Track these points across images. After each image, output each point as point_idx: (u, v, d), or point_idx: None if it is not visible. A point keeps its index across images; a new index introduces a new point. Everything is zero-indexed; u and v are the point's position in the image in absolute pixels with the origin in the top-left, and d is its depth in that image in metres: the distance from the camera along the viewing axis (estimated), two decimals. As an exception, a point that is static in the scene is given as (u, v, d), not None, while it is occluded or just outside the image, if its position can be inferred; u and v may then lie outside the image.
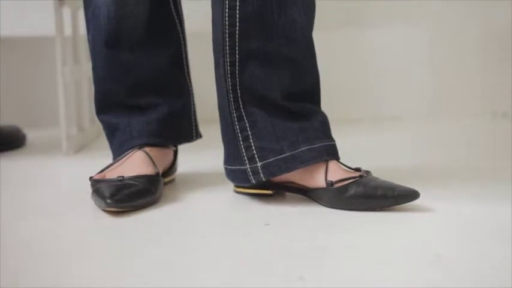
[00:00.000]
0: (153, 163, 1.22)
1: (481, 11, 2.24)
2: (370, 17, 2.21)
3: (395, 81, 2.23)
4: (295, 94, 1.17)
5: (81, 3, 1.85)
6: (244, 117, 1.15)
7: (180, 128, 1.33)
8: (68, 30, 1.77)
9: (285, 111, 1.16)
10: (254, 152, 1.15)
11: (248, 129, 1.15)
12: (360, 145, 1.45)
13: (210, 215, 1.15)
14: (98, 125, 1.99)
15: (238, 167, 1.17)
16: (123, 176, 1.16)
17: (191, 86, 1.35)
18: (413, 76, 2.24)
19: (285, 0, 1.12)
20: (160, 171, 1.24)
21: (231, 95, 1.15)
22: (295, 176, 1.16)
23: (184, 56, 1.33)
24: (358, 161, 1.26)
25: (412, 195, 1.10)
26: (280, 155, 1.14)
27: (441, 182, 1.31)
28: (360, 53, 2.08)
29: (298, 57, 1.15)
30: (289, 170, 1.14)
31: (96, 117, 1.98)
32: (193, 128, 1.35)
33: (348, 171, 1.16)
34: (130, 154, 1.24)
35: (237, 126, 1.15)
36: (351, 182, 1.12)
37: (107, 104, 1.30)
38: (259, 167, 1.15)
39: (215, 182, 1.32)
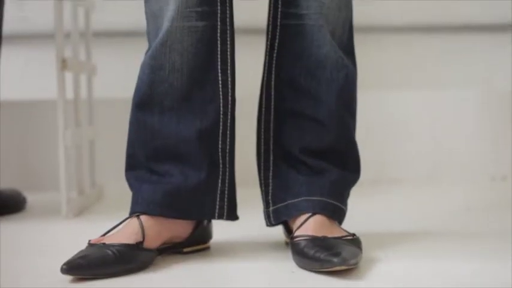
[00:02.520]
0: (142, 233, 1.20)
1: (480, 76, 2.27)
2: (369, 82, 2.24)
3: (395, 145, 2.25)
4: (314, 151, 1.29)
5: (82, 68, 1.88)
6: (271, 168, 1.31)
7: (195, 203, 1.26)
8: (69, 94, 1.79)
9: (301, 164, 1.29)
10: (270, 197, 1.31)
11: (270, 178, 1.31)
12: (358, 208, 1.45)
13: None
14: (98, 189, 1.99)
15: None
16: (104, 243, 1.17)
17: (228, 163, 1.27)
18: (413, 140, 2.25)
19: (314, 65, 1.26)
20: (159, 243, 1.22)
21: (263, 148, 1.31)
22: (292, 223, 1.27)
23: (221, 131, 1.26)
24: (355, 224, 1.27)
25: (337, 262, 1.10)
26: (283, 202, 1.27)
27: (440, 245, 1.31)
28: (360, 117, 2.09)
29: (322, 118, 1.27)
30: (289, 216, 1.26)
31: (95, 181, 2.00)
32: (217, 206, 1.27)
33: (333, 231, 1.21)
34: (128, 220, 1.24)
35: (262, 174, 1.31)
36: (308, 239, 1.17)
37: (131, 164, 1.28)
38: (270, 211, 1.30)
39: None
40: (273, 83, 1.30)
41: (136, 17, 1.92)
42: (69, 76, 1.82)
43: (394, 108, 2.25)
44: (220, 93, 1.24)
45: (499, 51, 2.32)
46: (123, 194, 1.40)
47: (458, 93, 2.26)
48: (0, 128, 2.15)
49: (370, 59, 2.17)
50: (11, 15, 1.97)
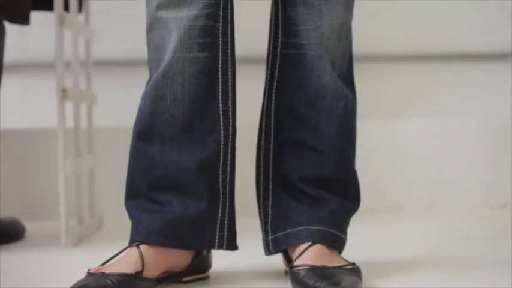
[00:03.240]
0: (142, 262, 1.20)
1: (479, 104, 2.28)
2: (368, 110, 2.24)
3: (395, 173, 2.25)
4: (313, 180, 1.29)
5: (82, 97, 1.89)
6: (270, 197, 1.31)
7: (195, 233, 1.25)
8: (69, 122, 1.79)
9: (300, 193, 1.29)
10: (269, 226, 1.31)
11: (270, 207, 1.31)
12: (358, 237, 1.45)
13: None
14: (98, 217, 1.99)
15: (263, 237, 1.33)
16: (103, 272, 1.16)
17: (228, 194, 1.27)
18: (412, 168, 2.25)
19: (314, 94, 1.27)
20: (158, 272, 1.22)
21: (262, 176, 1.31)
22: (291, 252, 1.28)
23: (222, 161, 1.26)
24: (354, 253, 1.27)
25: None
26: (283, 231, 1.28)
27: (439, 274, 1.31)
28: (359, 144, 2.10)
29: (322, 147, 1.28)
30: (289, 245, 1.27)
31: (95, 210, 2.00)
32: (217, 236, 1.26)
33: (332, 260, 1.21)
34: (127, 250, 1.24)
35: (261, 203, 1.31)
36: (308, 268, 1.17)
37: (131, 193, 1.28)
38: (270, 240, 1.30)
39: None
40: (272, 112, 1.31)
41: (136, 46, 1.94)
42: (69, 105, 1.82)
43: (393, 136, 2.26)
44: (221, 123, 1.24)
45: (498, 80, 2.34)
46: (123, 223, 1.40)
47: (458, 121, 2.26)
48: (0, 156, 2.16)
49: (369, 87, 2.18)
50: (11, 44, 1.98)
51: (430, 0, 2.33)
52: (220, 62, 1.23)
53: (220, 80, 1.24)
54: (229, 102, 1.24)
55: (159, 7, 1.23)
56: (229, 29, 1.23)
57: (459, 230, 1.87)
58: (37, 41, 2.24)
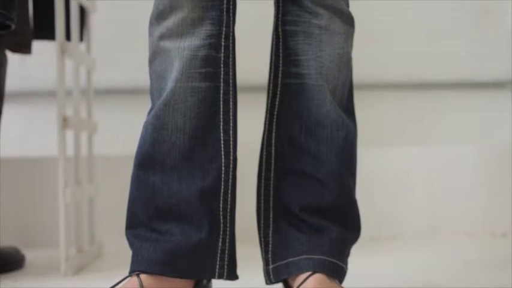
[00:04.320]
0: None
1: (478, 132, 2.28)
2: (367, 138, 2.25)
3: (394, 201, 2.25)
4: (314, 209, 1.29)
5: (83, 126, 1.89)
6: (271, 226, 1.31)
7: (195, 263, 1.25)
8: (69, 150, 1.80)
9: (301, 222, 1.29)
10: (270, 255, 1.31)
11: (270, 235, 1.31)
12: (358, 265, 1.45)
13: None
14: (98, 246, 1.99)
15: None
16: None
17: (229, 223, 1.27)
18: (412, 195, 2.25)
19: (314, 124, 1.28)
20: None
21: (263, 205, 1.32)
22: (292, 282, 1.27)
23: (222, 191, 1.25)
24: (355, 282, 1.27)
25: None
26: (283, 260, 1.27)
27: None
28: (359, 172, 2.10)
29: (322, 177, 1.28)
30: (289, 275, 1.26)
31: (95, 238, 2.00)
32: (217, 266, 1.26)
33: None
34: (127, 279, 1.23)
35: (262, 232, 1.31)
36: None
37: (131, 222, 1.28)
38: (270, 269, 1.30)
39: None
40: (273, 141, 1.32)
41: (137, 75, 1.95)
42: (70, 133, 1.83)
43: (393, 164, 2.26)
44: (222, 153, 1.25)
45: (497, 108, 2.35)
46: (123, 252, 1.40)
47: (458, 148, 2.27)
48: (0, 184, 2.16)
49: (369, 115, 2.19)
50: (13, 72, 1.99)
51: (429, 28, 2.35)
52: (221, 91, 1.24)
53: (221, 109, 1.24)
54: (231, 131, 1.25)
55: (162, 37, 1.24)
56: (230, 59, 1.24)
57: (460, 259, 1.86)
58: (38, 69, 2.26)
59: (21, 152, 2.25)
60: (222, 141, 1.25)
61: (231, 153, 1.25)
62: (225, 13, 1.23)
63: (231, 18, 1.24)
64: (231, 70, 1.24)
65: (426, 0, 2.35)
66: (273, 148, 1.32)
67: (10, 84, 1.89)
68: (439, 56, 2.35)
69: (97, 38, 2.14)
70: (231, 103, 1.24)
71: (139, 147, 1.26)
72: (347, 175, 1.31)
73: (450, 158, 2.27)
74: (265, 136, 1.32)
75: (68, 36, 1.78)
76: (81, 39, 1.91)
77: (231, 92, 1.24)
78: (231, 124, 1.25)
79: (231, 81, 1.24)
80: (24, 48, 1.79)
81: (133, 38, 2.24)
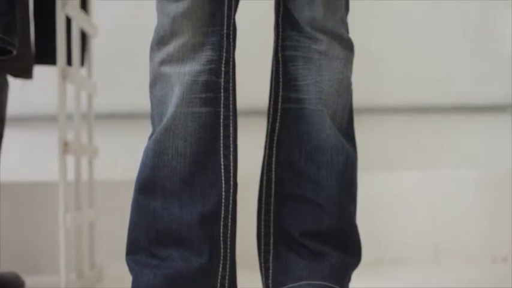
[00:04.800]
0: None
1: (479, 156, 2.28)
2: (368, 162, 2.25)
3: (395, 226, 2.24)
4: (314, 234, 1.29)
5: (84, 151, 1.89)
6: (271, 251, 1.30)
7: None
8: (70, 175, 1.79)
9: (301, 247, 1.29)
10: (270, 280, 1.30)
11: (270, 261, 1.30)
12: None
13: None
14: (98, 271, 1.98)
15: None
16: None
17: (229, 248, 1.26)
18: (413, 220, 2.25)
19: (314, 149, 1.28)
20: None
21: (263, 230, 1.31)
22: None
23: (223, 216, 1.25)
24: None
25: None
26: (283, 286, 1.27)
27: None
28: (360, 197, 2.11)
29: (322, 201, 1.28)
30: None
31: (95, 263, 1.99)
32: None
33: None
34: (129, 306, 1.23)
35: (262, 257, 1.31)
36: None
37: (132, 247, 1.28)
38: None
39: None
40: (273, 165, 1.32)
41: (137, 99, 1.96)
42: (70, 158, 1.83)
43: (393, 189, 2.26)
44: (223, 178, 1.25)
45: (498, 131, 2.35)
46: (123, 277, 1.39)
47: (458, 173, 2.27)
48: (0, 209, 2.15)
49: (368, 139, 2.19)
50: (14, 97, 1.99)
51: (429, 51, 2.35)
52: (222, 116, 1.24)
53: (221, 134, 1.25)
54: (231, 156, 1.25)
55: (162, 62, 1.25)
56: (230, 84, 1.25)
57: (460, 283, 1.86)
58: (39, 94, 2.26)
59: (22, 177, 2.25)
60: (222, 166, 1.25)
61: (231, 178, 1.25)
62: (225, 39, 1.24)
63: (231, 44, 1.25)
64: (231, 95, 1.25)
65: (425, 24, 2.36)
66: (273, 173, 1.32)
67: (11, 108, 1.89)
68: (439, 79, 2.36)
69: (98, 62, 2.14)
70: (231, 128, 1.25)
71: (140, 172, 1.26)
72: (347, 200, 1.31)
73: (451, 182, 2.26)
74: (265, 161, 1.32)
75: (69, 61, 1.79)
76: (82, 63, 1.92)
77: (231, 117, 1.25)
78: (231, 149, 1.25)
79: (231, 106, 1.25)
80: (25, 73, 1.80)
81: (134, 61, 2.24)
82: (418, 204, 2.26)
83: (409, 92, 2.35)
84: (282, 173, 1.31)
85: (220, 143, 1.25)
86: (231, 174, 1.25)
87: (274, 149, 1.32)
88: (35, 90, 2.26)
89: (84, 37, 1.94)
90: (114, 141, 2.27)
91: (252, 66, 2.01)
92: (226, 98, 1.25)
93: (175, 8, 1.22)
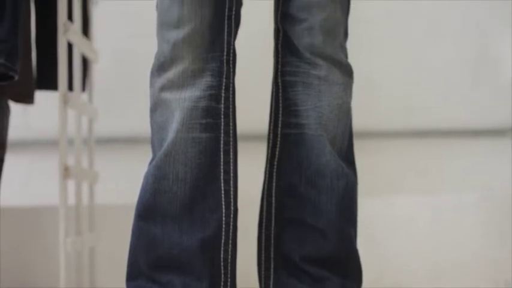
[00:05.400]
0: None
1: (480, 181, 2.28)
2: (368, 187, 2.25)
3: (396, 250, 2.24)
4: (314, 259, 1.29)
5: (84, 176, 1.90)
6: (271, 276, 1.30)
7: None
8: (70, 199, 1.79)
9: (301, 273, 1.28)
10: None
11: (271, 286, 1.30)
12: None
13: None
14: (98, 296, 1.98)
15: None
16: None
17: (230, 273, 1.26)
18: (414, 244, 2.24)
19: (314, 174, 1.28)
20: None
21: (263, 255, 1.31)
22: None
23: (223, 241, 1.26)
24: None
25: None
26: None
27: None
28: (360, 222, 2.12)
29: (323, 226, 1.28)
30: None
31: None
32: None
33: None
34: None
35: (263, 282, 1.31)
36: None
37: (132, 273, 1.28)
38: None
39: None
40: (273, 191, 1.32)
41: (138, 124, 1.96)
42: (71, 182, 1.83)
43: (393, 213, 2.25)
44: (223, 203, 1.25)
45: (498, 156, 2.35)
46: (124, 302, 1.39)
47: (459, 197, 2.27)
48: (1, 233, 2.15)
49: (369, 164, 2.19)
50: (15, 122, 2.00)
51: (428, 76, 2.36)
52: (222, 142, 1.25)
53: (222, 160, 1.25)
54: (231, 182, 1.25)
55: (163, 88, 1.25)
56: (230, 109, 1.26)
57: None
58: (40, 119, 2.27)
59: (23, 201, 2.25)
60: (222, 192, 1.25)
61: (232, 204, 1.25)
62: (225, 64, 1.25)
63: (231, 70, 1.26)
64: (231, 121, 1.26)
65: (425, 48, 2.37)
66: (274, 198, 1.32)
67: (12, 133, 1.90)
68: (439, 104, 2.37)
69: (99, 86, 2.15)
70: (231, 153, 1.25)
71: (140, 197, 1.27)
72: (348, 224, 1.31)
73: (451, 205, 2.26)
74: (266, 186, 1.33)
75: (70, 86, 1.79)
76: (83, 88, 1.93)
77: (231, 143, 1.25)
78: (232, 174, 1.25)
79: (231, 131, 1.25)
80: (26, 98, 1.81)
81: (135, 87, 2.26)
82: (419, 228, 2.25)
83: (409, 117, 2.35)
84: (282, 198, 1.32)
85: (220, 168, 1.25)
86: (232, 200, 1.25)
87: (275, 174, 1.32)
88: (36, 115, 2.27)
89: (85, 62, 1.95)
90: (115, 166, 2.27)
91: (252, 91, 2.02)
92: (227, 124, 1.25)
93: (176, 35, 1.23)
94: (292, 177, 1.31)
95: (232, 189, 1.25)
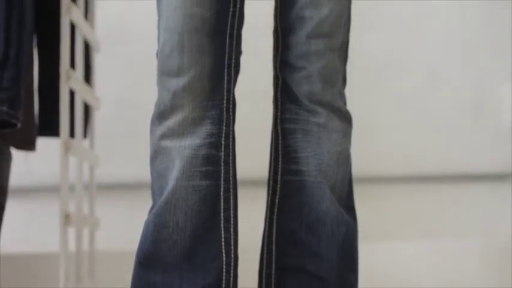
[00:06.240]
0: None
1: (481, 225, 2.28)
2: (369, 232, 2.25)
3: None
4: None
5: (85, 223, 1.90)
6: None
7: None
8: (71, 245, 1.79)
9: None
10: None
11: None
12: None
13: None
14: None
15: None
16: None
17: None
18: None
19: (314, 220, 1.28)
20: None
21: None
22: None
23: (224, 285, 1.25)
24: None
25: None
26: None
27: None
28: (361, 267, 2.12)
29: (323, 274, 1.27)
30: None
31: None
32: None
33: None
34: None
35: None
36: None
37: None
38: None
39: None
40: (274, 238, 1.32)
41: (139, 170, 1.97)
42: (71, 229, 1.83)
43: (396, 259, 2.25)
44: (223, 251, 1.25)
45: (499, 201, 2.35)
46: None
47: (460, 242, 2.26)
48: (1, 280, 2.15)
49: (369, 209, 2.19)
50: (16, 169, 2.01)
51: (428, 122, 2.37)
52: (222, 189, 1.26)
53: (222, 207, 1.25)
54: (231, 229, 1.25)
55: (163, 136, 1.26)
56: (230, 157, 1.26)
57: None
58: (42, 165, 2.27)
59: (23, 248, 2.24)
60: (223, 240, 1.25)
61: (232, 252, 1.25)
62: (225, 112, 1.26)
63: (231, 117, 1.27)
64: (231, 168, 1.26)
65: (425, 93, 2.38)
66: (274, 245, 1.32)
67: (13, 179, 1.90)
68: (439, 149, 2.37)
69: (100, 133, 2.17)
70: (231, 201, 1.26)
71: (141, 244, 1.26)
72: (348, 271, 1.31)
73: (453, 250, 2.25)
74: (266, 233, 1.33)
75: (71, 133, 1.80)
76: (85, 135, 1.94)
77: (231, 190, 1.26)
78: (232, 222, 1.25)
79: (231, 179, 1.26)
80: (28, 145, 1.82)
81: (136, 134, 2.27)
82: (421, 273, 2.24)
83: (409, 162, 2.36)
84: (283, 245, 1.31)
85: (220, 216, 1.26)
86: (232, 247, 1.25)
87: (275, 221, 1.32)
88: (37, 162, 2.28)
89: (86, 109, 1.96)
90: (116, 212, 2.27)
91: (252, 137, 2.03)
92: (227, 171, 1.26)
93: (176, 83, 1.25)
94: (293, 224, 1.31)
95: (232, 236, 1.26)
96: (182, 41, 1.24)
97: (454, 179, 2.37)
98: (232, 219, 1.26)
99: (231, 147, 1.26)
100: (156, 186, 1.28)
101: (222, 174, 1.26)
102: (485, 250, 2.26)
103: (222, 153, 1.26)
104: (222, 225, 1.25)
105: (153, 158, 1.29)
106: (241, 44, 1.30)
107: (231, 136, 1.27)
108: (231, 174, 1.26)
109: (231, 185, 1.26)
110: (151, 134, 1.29)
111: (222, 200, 1.26)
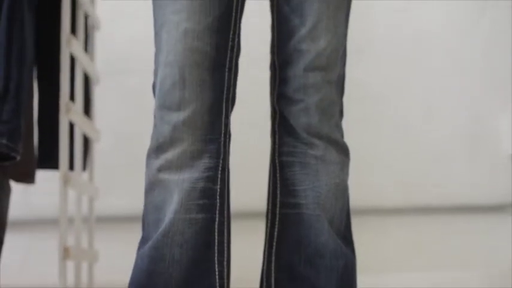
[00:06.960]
0: None
1: (480, 257, 2.28)
2: (368, 264, 2.24)
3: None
4: None
5: (84, 256, 1.89)
6: None
7: None
8: (70, 279, 1.79)
9: None
10: None
11: None
12: None
13: None
14: None
15: None
16: None
17: None
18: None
19: (313, 253, 1.27)
20: None
21: None
22: None
23: None
24: None
25: None
26: None
27: None
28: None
29: None
30: None
31: None
32: None
33: None
34: None
35: None
36: None
37: None
38: None
39: None
40: (272, 271, 1.32)
41: (138, 203, 1.96)
42: (70, 262, 1.82)
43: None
44: (217, 284, 1.25)
45: (498, 232, 2.35)
46: None
47: (460, 274, 2.25)
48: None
49: (368, 241, 2.19)
50: (15, 201, 2.01)
51: (426, 152, 2.38)
52: (216, 222, 1.26)
53: (216, 240, 1.26)
54: (225, 263, 1.25)
55: (161, 169, 1.26)
56: (226, 190, 1.27)
57: None
58: (41, 198, 2.27)
59: (22, 281, 2.23)
60: (216, 273, 1.25)
61: (225, 284, 1.25)
62: (222, 146, 1.27)
63: (227, 151, 1.28)
64: (225, 201, 1.27)
65: (422, 124, 2.39)
66: (273, 278, 1.32)
67: (12, 212, 1.90)
68: (437, 180, 2.37)
69: (99, 165, 2.17)
70: (225, 233, 1.26)
71: (134, 278, 1.26)
72: None
73: (452, 282, 2.25)
74: (265, 267, 1.32)
75: (70, 165, 1.80)
76: (84, 167, 1.94)
77: (225, 223, 1.26)
78: (225, 255, 1.25)
79: (225, 212, 1.26)
80: (27, 177, 1.82)
81: (135, 166, 2.26)
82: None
83: (408, 193, 2.36)
84: (282, 278, 1.31)
85: (214, 249, 1.26)
86: (225, 280, 1.25)
87: (273, 254, 1.32)
88: (36, 194, 2.28)
89: (86, 141, 1.96)
90: (115, 245, 2.26)
91: (251, 170, 2.03)
92: (221, 204, 1.26)
93: (177, 117, 1.25)
94: (291, 256, 1.31)
95: (225, 270, 1.26)
96: (183, 75, 1.25)
97: (453, 210, 2.37)
98: (225, 252, 1.26)
99: (226, 180, 1.27)
100: (152, 218, 1.28)
101: (217, 207, 1.26)
102: (486, 281, 2.25)
103: (218, 186, 1.26)
104: (216, 259, 1.25)
105: (149, 190, 1.29)
106: (237, 76, 1.31)
107: (226, 169, 1.27)
108: (225, 207, 1.27)
109: (225, 218, 1.26)
110: (147, 166, 1.29)
111: (216, 233, 1.26)
